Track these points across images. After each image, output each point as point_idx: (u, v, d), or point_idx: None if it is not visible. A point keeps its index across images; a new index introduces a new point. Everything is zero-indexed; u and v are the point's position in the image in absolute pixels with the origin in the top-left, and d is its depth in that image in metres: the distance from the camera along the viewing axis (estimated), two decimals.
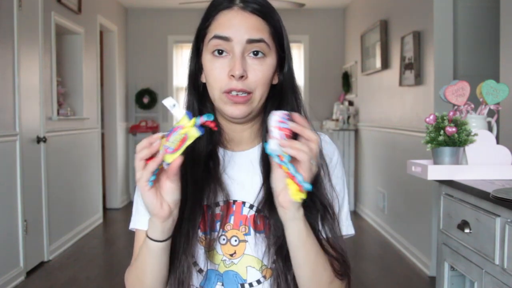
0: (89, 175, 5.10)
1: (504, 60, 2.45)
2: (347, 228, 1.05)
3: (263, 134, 1.02)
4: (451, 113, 1.77)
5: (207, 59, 0.96)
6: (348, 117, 5.91)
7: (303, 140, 0.84)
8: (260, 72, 0.95)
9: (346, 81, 6.22)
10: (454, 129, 1.74)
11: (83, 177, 4.94)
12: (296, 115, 0.85)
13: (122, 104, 6.33)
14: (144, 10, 6.59)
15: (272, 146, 0.83)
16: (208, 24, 0.96)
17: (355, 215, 5.69)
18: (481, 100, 1.88)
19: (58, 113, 4.30)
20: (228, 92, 0.94)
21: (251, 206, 0.99)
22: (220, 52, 0.94)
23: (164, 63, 6.67)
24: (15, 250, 3.45)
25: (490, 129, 1.88)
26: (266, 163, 0.99)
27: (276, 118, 0.84)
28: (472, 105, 1.87)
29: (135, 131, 6.54)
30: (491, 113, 1.88)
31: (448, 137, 1.76)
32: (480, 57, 3.55)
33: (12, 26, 3.43)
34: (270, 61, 0.96)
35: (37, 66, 3.85)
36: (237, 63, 0.92)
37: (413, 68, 3.86)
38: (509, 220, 1.41)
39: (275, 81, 1.00)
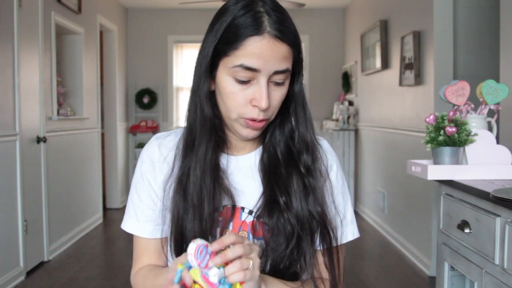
0: (89, 175, 5.10)
1: (504, 60, 2.45)
2: (353, 232, 1.08)
3: (263, 139, 1.03)
4: (451, 113, 1.77)
5: (226, 80, 0.93)
6: (348, 117, 5.91)
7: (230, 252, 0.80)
8: (278, 98, 0.95)
9: (346, 81, 6.22)
10: (454, 129, 1.74)
11: (83, 177, 4.94)
12: (214, 244, 0.80)
13: (122, 104, 6.33)
14: (144, 10, 6.59)
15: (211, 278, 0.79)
16: (234, 47, 0.90)
17: (355, 215, 5.68)
18: (481, 100, 1.88)
19: (58, 113, 4.30)
20: (249, 119, 0.93)
21: (250, 212, 0.99)
22: (245, 80, 0.92)
23: (164, 63, 6.67)
24: (15, 250, 3.45)
25: (490, 129, 1.88)
26: (264, 168, 1.00)
27: (191, 257, 0.78)
28: (472, 105, 1.87)
29: (135, 131, 6.53)
30: (491, 113, 1.88)
31: (448, 137, 1.76)
32: (480, 57, 3.55)
33: (12, 26, 3.43)
34: (287, 83, 0.96)
35: (37, 66, 3.85)
36: (264, 97, 0.90)
37: (413, 68, 3.86)
38: (509, 220, 1.40)
39: None
